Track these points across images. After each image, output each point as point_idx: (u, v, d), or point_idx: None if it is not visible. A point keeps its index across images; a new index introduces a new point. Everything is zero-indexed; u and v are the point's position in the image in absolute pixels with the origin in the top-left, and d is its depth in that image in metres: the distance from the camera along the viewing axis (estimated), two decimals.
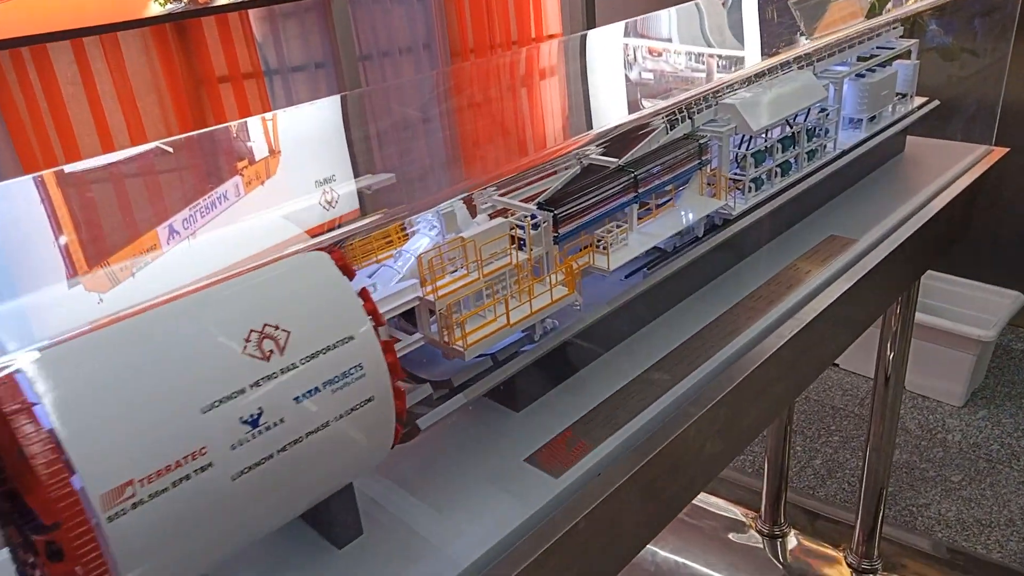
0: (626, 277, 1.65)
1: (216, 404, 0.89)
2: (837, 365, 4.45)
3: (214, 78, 5.48)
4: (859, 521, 3.05)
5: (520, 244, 1.35)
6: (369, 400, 1.02)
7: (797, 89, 1.86)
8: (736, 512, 3.46)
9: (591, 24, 6.09)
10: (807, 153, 1.95)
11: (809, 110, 1.95)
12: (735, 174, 1.78)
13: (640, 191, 1.52)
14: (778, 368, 1.57)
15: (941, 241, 2.27)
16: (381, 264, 1.29)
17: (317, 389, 0.97)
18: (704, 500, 3.49)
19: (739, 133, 1.74)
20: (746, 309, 1.68)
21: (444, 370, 1.31)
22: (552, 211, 1.36)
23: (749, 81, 1.83)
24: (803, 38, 2.09)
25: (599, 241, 1.47)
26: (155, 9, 5.01)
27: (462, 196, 1.34)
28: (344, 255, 1.06)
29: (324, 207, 1.29)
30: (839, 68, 2.11)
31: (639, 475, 1.30)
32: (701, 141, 1.64)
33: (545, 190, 1.47)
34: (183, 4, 5.10)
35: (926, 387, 4.15)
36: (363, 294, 1.05)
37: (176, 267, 1.16)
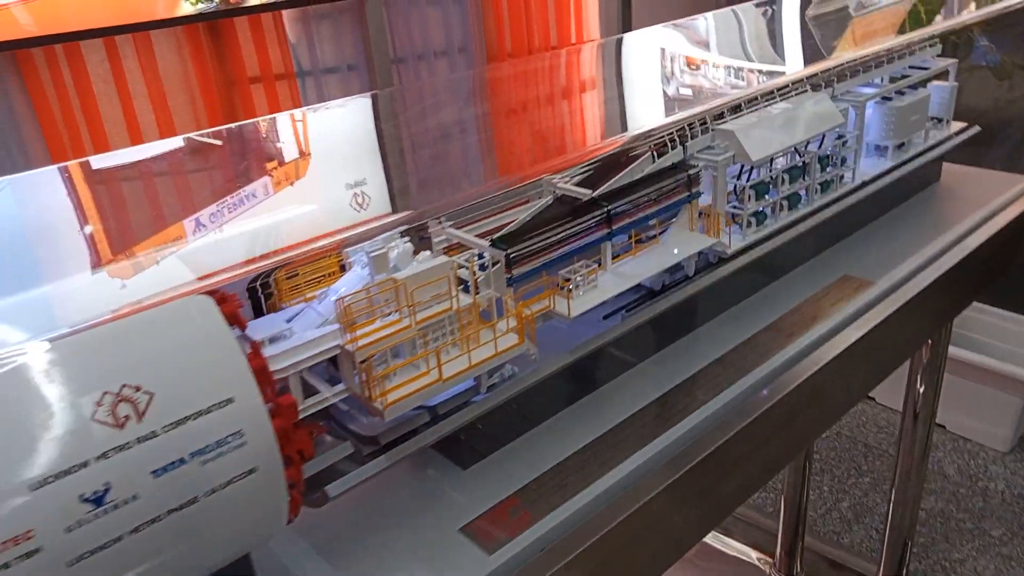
0: (604, 318, 1.50)
1: (49, 480, 0.77)
2: (873, 399, 4.20)
3: (246, 79, 5.45)
4: (880, 574, 2.83)
5: (469, 286, 1.21)
6: (251, 471, 0.89)
7: (809, 114, 1.68)
8: (751, 556, 3.27)
9: (627, 28, 5.93)
10: (820, 184, 1.77)
11: (824, 137, 1.77)
12: (733, 208, 1.61)
13: (614, 228, 1.37)
14: (766, 430, 1.40)
15: (978, 280, 2.06)
16: (308, 304, 1.16)
17: (182, 460, 0.84)
18: (716, 540, 3.29)
19: (737, 163, 1.57)
20: (738, 359, 1.51)
21: (376, 423, 1.17)
22: (505, 249, 1.21)
23: (751, 104, 1.66)
24: (821, 57, 1.90)
25: (566, 282, 1.32)
26: (186, 8, 5.00)
27: (403, 228, 1.21)
28: (232, 299, 0.93)
29: (355, 209, 1.29)
30: (863, 90, 1.92)
31: (588, 554, 1.15)
32: (691, 172, 1.47)
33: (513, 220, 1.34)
34: (215, 4, 5.08)
35: (968, 429, 3.88)
36: (253, 348, 0.92)
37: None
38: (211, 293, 0.94)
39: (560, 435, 1.34)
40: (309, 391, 1.11)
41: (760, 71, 1.90)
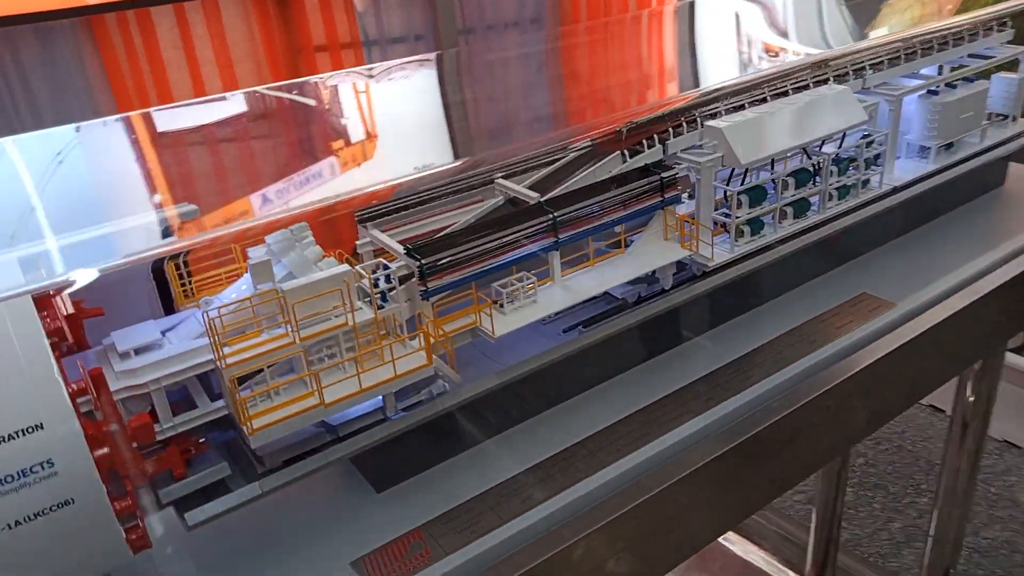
0: (564, 331, 1.36)
1: None
2: (942, 411, 3.87)
3: (311, 47, 5.44)
4: None
5: (382, 297, 1.10)
6: (66, 503, 0.81)
7: (823, 109, 1.47)
8: (786, 573, 3.06)
9: None
10: (836, 190, 1.56)
11: (844, 135, 1.55)
12: (722, 215, 1.43)
13: (561, 236, 1.22)
14: (713, 483, 1.23)
15: None
16: (192, 312, 1.07)
17: None
18: (744, 550, 3.10)
19: (726, 166, 1.38)
20: (707, 388, 1.35)
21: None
22: (419, 260, 1.09)
23: (754, 95, 1.47)
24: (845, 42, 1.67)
25: (503, 296, 1.18)
26: None
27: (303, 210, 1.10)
28: (56, 304, 0.85)
29: None
30: (903, 82, 1.68)
31: None
32: (664, 175, 1.30)
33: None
34: None
35: None
36: (95, 372, 0.84)
37: None
38: (44, 297, 0.86)
39: (491, 461, 1.22)
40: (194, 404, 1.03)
41: (777, 55, 1.69)
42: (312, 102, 1.80)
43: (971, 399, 2.23)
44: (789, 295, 1.57)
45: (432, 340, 1.10)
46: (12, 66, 4.65)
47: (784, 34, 1.84)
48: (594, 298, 1.36)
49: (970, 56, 1.82)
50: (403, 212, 1.25)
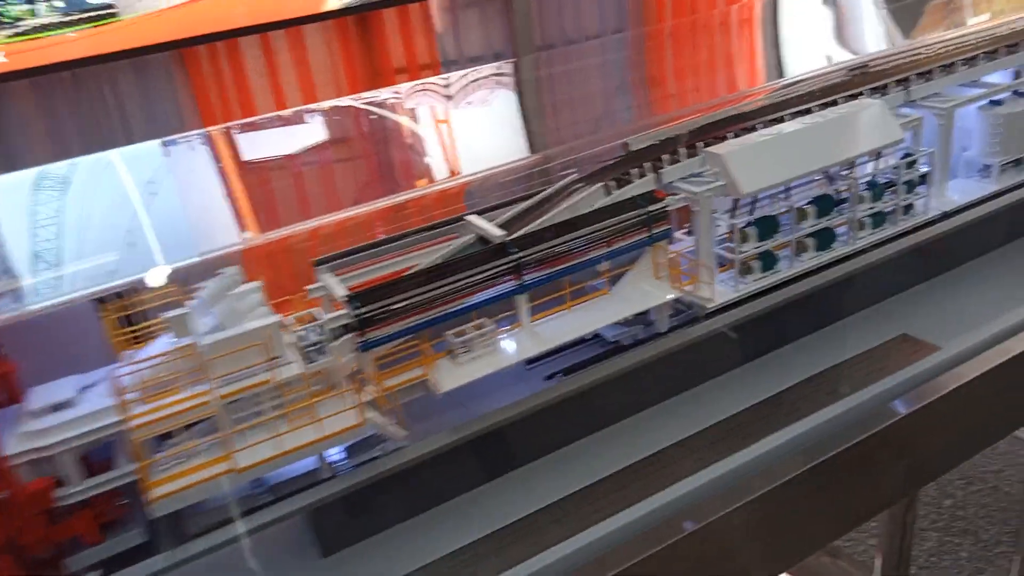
0: (547, 379, 1.25)
1: None
2: None
3: (392, 69, 5.52)
4: None
5: (318, 349, 1.03)
6: None
7: (848, 128, 1.30)
8: None
9: None
10: (871, 217, 1.37)
11: (879, 155, 1.37)
12: (725, 249, 1.28)
13: (527, 278, 1.11)
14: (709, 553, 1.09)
15: None
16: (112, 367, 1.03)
17: None
18: None
19: (728, 195, 1.24)
20: (713, 443, 1.20)
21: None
22: (357, 307, 1.01)
23: (769, 115, 1.31)
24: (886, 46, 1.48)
25: (456, 346, 1.09)
26: (334, 3, 5.11)
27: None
28: None
29: None
30: (957, 92, 1.48)
31: None
32: (652, 208, 1.17)
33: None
34: None
35: None
36: None
37: None
38: None
39: (453, 522, 1.13)
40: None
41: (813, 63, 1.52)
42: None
43: None
44: (814, 337, 1.39)
45: (376, 395, 1.02)
46: (111, 98, 4.92)
47: (820, 40, 1.66)
48: (585, 340, 1.25)
49: None
50: (365, 253, 1.18)
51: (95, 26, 4.72)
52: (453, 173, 1.85)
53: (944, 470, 1.37)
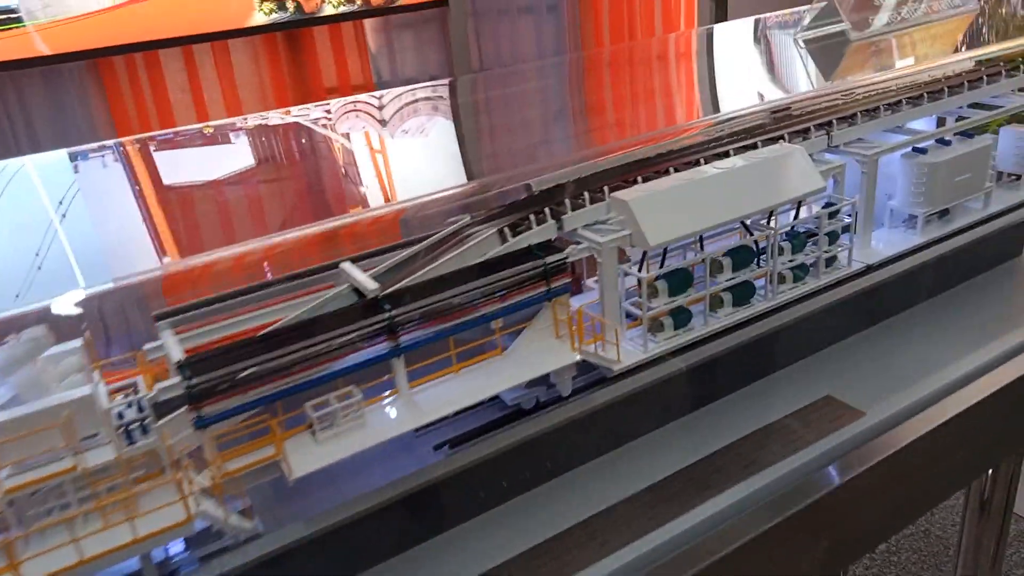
0: (436, 448, 1.11)
1: None
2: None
3: (323, 89, 5.35)
4: None
5: (142, 428, 0.86)
6: None
7: (766, 175, 1.20)
8: None
9: (722, 18, 5.42)
10: (792, 271, 1.28)
11: (799, 206, 1.28)
12: (632, 304, 1.17)
13: (404, 340, 0.97)
14: None
15: None
16: None
17: None
18: None
19: (635, 246, 1.12)
20: (610, 524, 1.07)
21: None
22: (189, 377, 0.85)
23: (681, 158, 1.21)
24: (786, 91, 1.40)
25: (315, 420, 0.94)
26: (259, 18, 4.93)
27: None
28: None
29: None
30: (881, 139, 1.40)
31: None
32: (549, 260, 1.05)
33: None
34: (289, 13, 4.99)
35: None
36: None
37: None
38: None
39: None
40: None
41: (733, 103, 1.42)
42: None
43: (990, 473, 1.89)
44: (730, 400, 1.28)
45: (215, 481, 0.86)
46: (18, 108, 4.62)
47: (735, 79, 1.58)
48: (482, 402, 1.11)
49: (971, 107, 1.53)
50: (219, 306, 1.02)
51: (1, 29, 4.39)
52: (387, 198, 1.72)
53: (871, 547, 1.27)
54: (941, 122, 1.59)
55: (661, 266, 1.16)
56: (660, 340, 1.17)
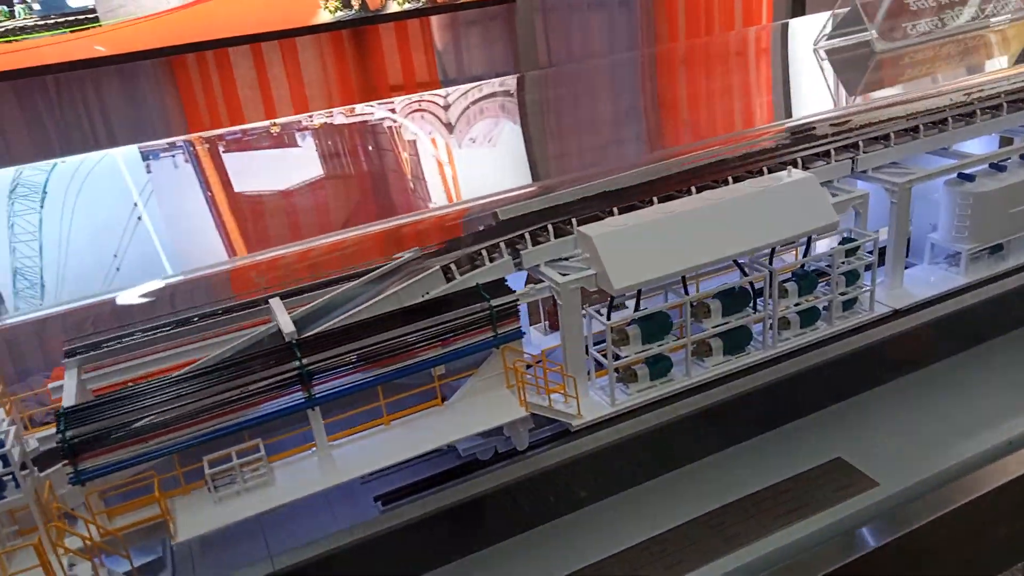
0: (376, 499, 1.01)
1: None
2: None
3: (387, 86, 5.33)
4: None
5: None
6: None
7: (765, 207, 1.04)
8: None
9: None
10: (800, 315, 1.11)
11: (809, 242, 1.11)
12: (600, 353, 1.03)
13: (318, 391, 0.87)
14: None
15: None
16: None
17: None
18: None
19: (600, 287, 0.99)
20: None
21: None
22: (63, 432, 0.78)
23: (663, 190, 1.06)
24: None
25: (211, 478, 0.85)
26: (325, 16, 4.95)
27: None
28: None
29: None
30: (922, 163, 1.21)
31: None
32: (496, 303, 0.93)
33: None
34: (354, 11, 4.99)
35: None
36: None
37: None
38: None
39: None
40: None
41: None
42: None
43: None
44: (719, 458, 1.13)
45: (96, 540, 0.78)
46: (96, 105, 4.78)
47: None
48: (436, 451, 1.00)
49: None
50: (131, 342, 0.94)
51: (72, 31, 4.54)
52: (449, 199, 1.63)
53: None
54: (1007, 142, 1.38)
55: (636, 308, 1.03)
56: (633, 392, 1.03)
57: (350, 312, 0.92)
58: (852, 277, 1.14)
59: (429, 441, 0.93)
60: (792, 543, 1.00)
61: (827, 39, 1.42)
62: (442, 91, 2.28)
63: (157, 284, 1.07)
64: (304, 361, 0.85)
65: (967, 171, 1.22)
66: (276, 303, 0.95)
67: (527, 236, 1.00)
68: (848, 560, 0.98)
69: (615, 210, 1.04)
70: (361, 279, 0.99)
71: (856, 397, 1.20)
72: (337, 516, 0.97)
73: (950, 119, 1.23)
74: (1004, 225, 1.24)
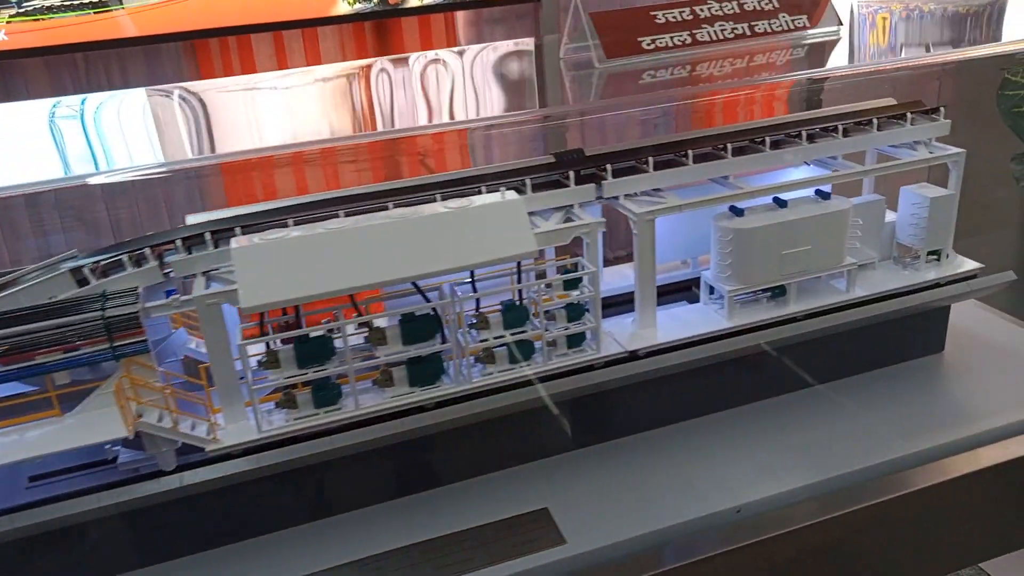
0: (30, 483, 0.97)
1: None
2: None
3: None
4: None
5: None
6: None
7: (451, 229, 0.95)
8: None
9: None
10: (511, 348, 1.01)
11: (519, 271, 1.01)
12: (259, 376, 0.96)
13: None
14: None
15: None
16: None
17: None
18: None
19: (235, 305, 0.92)
20: None
21: None
22: None
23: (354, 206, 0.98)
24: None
25: None
26: (343, 8, 4.98)
27: None
28: None
29: None
30: (705, 191, 1.09)
31: None
32: (110, 312, 0.87)
33: None
34: (372, 4, 4.99)
35: None
36: None
37: None
38: None
39: None
40: None
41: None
42: None
43: None
44: (405, 501, 1.04)
45: None
46: (120, 83, 4.94)
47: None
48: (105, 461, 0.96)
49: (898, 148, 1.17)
50: None
51: (96, 12, 4.72)
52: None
53: None
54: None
55: (291, 328, 0.95)
56: (291, 419, 0.96)
57: None
58: (573, 312, 1.03)
59: (31, 449, 0.88)
60: None
61: (568, 50, 1.30)
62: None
63: None
64: None
65: (740, 204, 1.09)
66: None
67: (178, 243, 0.94)
68: None
69: (290, 222, 0.97)
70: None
71: (577, 451, 1.09)
72: None
73: (728, 147, 1.10)
74: (775, 267, 1.10)
